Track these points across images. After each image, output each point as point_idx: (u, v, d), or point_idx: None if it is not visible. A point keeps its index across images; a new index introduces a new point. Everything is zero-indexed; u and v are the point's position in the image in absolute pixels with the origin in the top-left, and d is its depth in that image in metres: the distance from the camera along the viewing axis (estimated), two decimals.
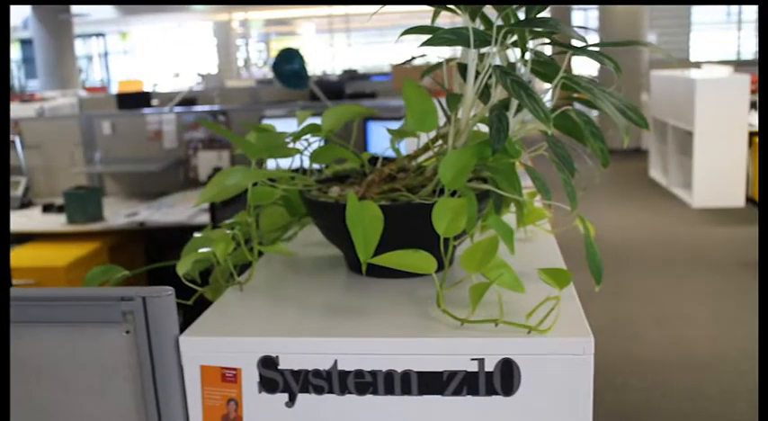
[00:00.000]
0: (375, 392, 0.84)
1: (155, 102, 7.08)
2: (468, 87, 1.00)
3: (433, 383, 0.83)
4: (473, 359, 0.82)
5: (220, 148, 4.52)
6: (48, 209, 4.18)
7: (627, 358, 3.64)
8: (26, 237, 3.95)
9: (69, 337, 0.87)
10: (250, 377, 0.86)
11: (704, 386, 3.31)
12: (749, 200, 6.65)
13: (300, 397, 0.85)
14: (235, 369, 0.86)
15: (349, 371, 0.84)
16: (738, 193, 6.65)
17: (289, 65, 4.50)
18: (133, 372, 0.86)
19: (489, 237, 0.88)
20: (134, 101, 6.83)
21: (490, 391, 0.82)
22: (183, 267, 1.04)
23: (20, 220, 4.09)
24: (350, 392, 0.84)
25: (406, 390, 0.83)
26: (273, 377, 0.85)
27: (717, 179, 6.65)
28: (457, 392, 0.83)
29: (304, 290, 1.03)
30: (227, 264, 1.05)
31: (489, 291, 0.86)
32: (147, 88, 12.84)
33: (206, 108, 5.40)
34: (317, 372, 0.84)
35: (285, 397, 0.85)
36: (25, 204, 4.40)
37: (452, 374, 0.82)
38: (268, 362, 0.85)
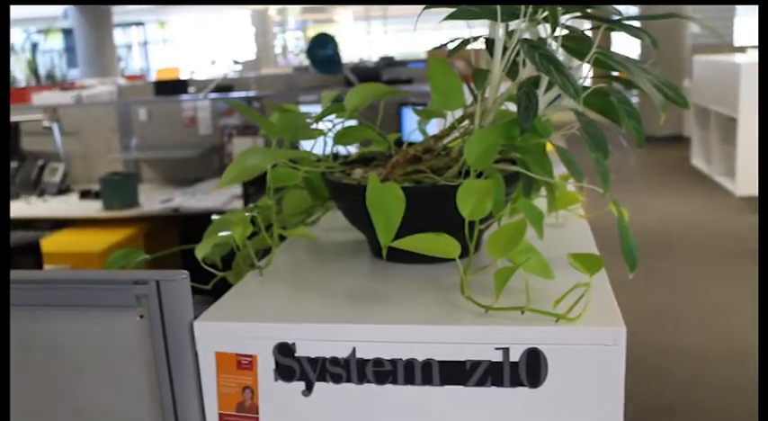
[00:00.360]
0: (395, 382, 0.80)
1: (191, 89, 7.12)
2: (495, 63, 0.95)
3: (455, 373, 0.79)
4: (497, 348, 0.78)
5: (255, 135, 4.51)
6: (85, 195, 4.22)
7: (668, 349, 3.56)
8: (63, 223, 3.99)
9: (83, 321, 0.85)
10: (266, 364, 0.83)
11: (748, 378, 3.22)
12: None
13: (317, 385, 0.82)
14: (250, 356, 0.83)
15: (368, 360, 0.80)
16: None
17: (323, 50, 4.47)
18: (147, 358, 0.84)
19: (517, 221, 0.84)
20: (171, 88, 6.89)
21: (515, 382, 0.78)
22: (203, 251, 1.01)
23: (58, 206, 4.14)
24: (368, 381, 0.81)
25: (427, 380, 0.80)
26: (290, 364, 0.82)
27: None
28: (480, 383, 0.79)
29: (325, 275, 1.00)
30: (248, 249, 1.02)
31: (516, 277, 0.82)
32: (184, 76, 12.94)
33: (241, 94, 5.41)
34: (334, 360, 0.81)
35: (302, 385, 0.82)
36: (63, 190, 4.46)
37: (476, 364, 0.78)
38: (284, 349, 0.82)
